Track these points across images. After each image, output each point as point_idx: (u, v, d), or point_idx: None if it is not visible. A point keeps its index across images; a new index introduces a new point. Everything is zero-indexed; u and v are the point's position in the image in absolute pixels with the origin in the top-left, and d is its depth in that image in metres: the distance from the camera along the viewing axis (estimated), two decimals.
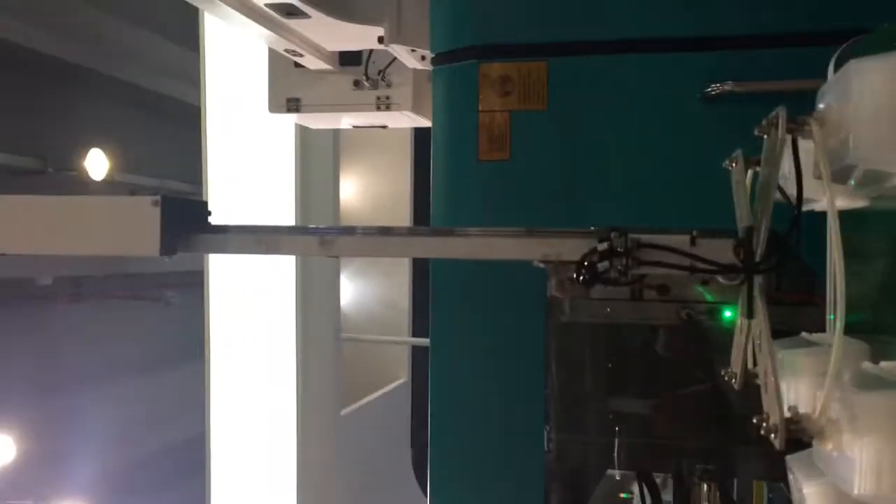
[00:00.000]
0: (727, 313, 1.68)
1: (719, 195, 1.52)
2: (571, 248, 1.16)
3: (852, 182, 0.97)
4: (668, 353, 1.78)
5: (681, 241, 1.16)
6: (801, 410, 1.02)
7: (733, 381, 1.16)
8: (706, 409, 1.77)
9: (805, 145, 1.11)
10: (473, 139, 1.65)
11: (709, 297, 1.72)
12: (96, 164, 4.12)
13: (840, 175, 0.98)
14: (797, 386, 1.04)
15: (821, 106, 0.99)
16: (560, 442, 1.80)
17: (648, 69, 1.55)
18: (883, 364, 0.88)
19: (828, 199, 0.91)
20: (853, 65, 0.82)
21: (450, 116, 1.70)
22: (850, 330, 1.16)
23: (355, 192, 6.40)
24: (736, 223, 1.53)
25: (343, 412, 5.10)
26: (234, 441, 4.78)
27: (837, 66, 1.24)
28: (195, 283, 4.75)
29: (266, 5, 2.22)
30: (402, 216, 6.29)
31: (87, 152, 4.29)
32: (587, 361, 1.89)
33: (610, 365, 1.87)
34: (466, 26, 1.69)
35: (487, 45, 1.65)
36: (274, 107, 2.73)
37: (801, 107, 1.34)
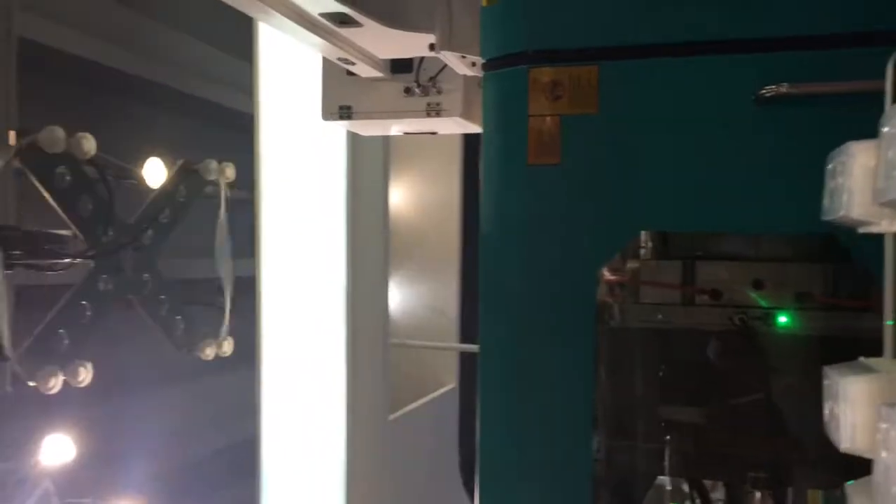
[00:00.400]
0: (782, 318, 1.66)
1: (774, 197, 1.51)
2: None
3: None
4: (720, 358, 1.76)
5: None
6: (860, 441, 1.00)
7: None
8: (759, 416, 1.75)
9: (863, 162, 1.08)
10: (523, 144, 1.65)
11: (763, 303, 1.70)
12: (154, 172, 4.25)
13: None
14: (854, 414, 1.02)
15: (885, 129, 0.97)
16: (610, 448, 1.79)
17: (701, 71, 1.54)
18: None
19: None
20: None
21: (500, 121, 1.71)
22: None
23: (404, 198, 6.45)
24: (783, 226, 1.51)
25: (391, 417, 5.13)
26: (285, 445, 4.85)
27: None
28: (247, 289, 4.84)
29: (320, 15, 2.26)
30: (452, 222, 6.31)
31: (144, 161, 4.44)
32: (638, 367, 1.87)
33: (661, 371, 1.85)
34: (517, 32, 1.70)
35: (538, 51, 1.66)
36: (326, 114, 2.78)
37: (858, 108, 1.33)
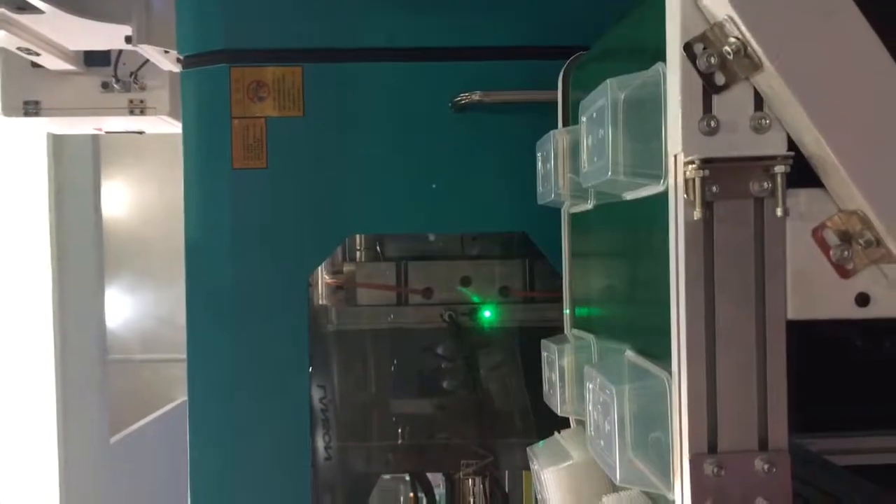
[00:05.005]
0: (486, 312, 1.75)
1: (473, 200, 1.59)
2: None
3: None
4: (434, 355, 1.82)
5: None
6: None
7: None
8: (471, 406, 1.83)
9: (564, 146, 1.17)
10: (227, 147, 1.58)
11: (475, 298, 1.78)
12: None
13: None
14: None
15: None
16: (338, 450, 1.78)
17: (402, 77, 1.57)
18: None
19: None
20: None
21: (201, 123, 1.62)
22: (581, 325, 1.25)
23: (121, 201, 5.98)
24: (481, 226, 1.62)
25: (113, 440, 4.73)
26: None
27: (564, 79, 1.33)
28: None
29: None
30: (177, 225, 5.95)
31: None
32: (359, 368, 1.88)
33: (380, 370, 1.88)
34: (216, 28, 1.61)
35: (239, 49, 1.59)
36: (8, 110, 2.46)
37: (538, 117, 1.44)
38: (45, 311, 4.42)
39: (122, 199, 6.06)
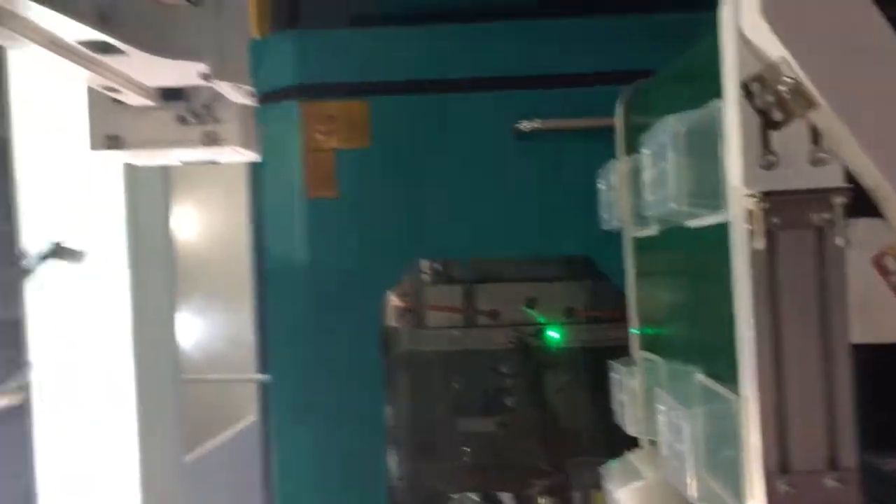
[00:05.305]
0: (552, 333, 1.78)
1: (535, 225, 1.64)
2: None
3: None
4: (502, 375, 1.85)
5: None
6: None
7: None
8: (542, 426, 1.86)
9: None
10: (301, 178, 1.66)
11: (541, 319, 1.81)
12: None
13: None
14: None
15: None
16: (409, 470, 1.83)
17: (464, 107, 1.63)
18: None
19: None
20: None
21: (276, 156, 1.71)
22: (649, 347, 1.28)
23: (186, 225, 6.18)
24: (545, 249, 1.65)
25: (187, 458, 4.88)
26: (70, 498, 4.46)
27: (624, 106, 1.37)
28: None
29: (78, 43, 2.11)
30: (240, 247, 6.12)
31: None
32: (430, 388, 1.93)
33: (451, 391, 1.92)
34: (289, 66, 1.70)
35: (309, 85, 1.68)
36: (95, 144, 2.60)
37: (596, 142, 1.47)
38: (125, 335, 4.59)
39: (192, 223, 6.26)
